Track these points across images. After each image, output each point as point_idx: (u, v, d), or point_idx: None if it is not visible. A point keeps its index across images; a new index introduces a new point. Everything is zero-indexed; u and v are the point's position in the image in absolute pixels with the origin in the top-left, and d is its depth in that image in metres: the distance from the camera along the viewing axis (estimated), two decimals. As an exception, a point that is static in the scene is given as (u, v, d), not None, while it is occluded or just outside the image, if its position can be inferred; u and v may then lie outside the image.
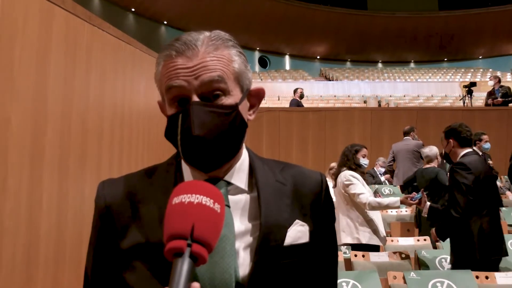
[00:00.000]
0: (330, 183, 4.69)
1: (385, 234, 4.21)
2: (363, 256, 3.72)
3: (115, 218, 0.93)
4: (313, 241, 0.95)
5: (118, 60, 3.95)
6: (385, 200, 4.03)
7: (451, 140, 3.50)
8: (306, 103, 16.91)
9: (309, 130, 9.27)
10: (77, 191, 2.98)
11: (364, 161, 4.39)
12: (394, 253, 3.80)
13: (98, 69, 3.45)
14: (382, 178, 7.82)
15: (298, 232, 0.92)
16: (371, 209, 4.00)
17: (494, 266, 3.20)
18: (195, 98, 0.86)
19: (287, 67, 29.38)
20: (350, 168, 4.29)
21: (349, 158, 4.32)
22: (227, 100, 0.88)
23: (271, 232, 0.90)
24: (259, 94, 0.97)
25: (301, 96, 9.92)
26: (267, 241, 0.89)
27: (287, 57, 29.79)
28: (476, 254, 3.21)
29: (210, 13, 22.52)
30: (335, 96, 19.65)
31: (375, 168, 7.91)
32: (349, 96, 19.49)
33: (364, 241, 4.03)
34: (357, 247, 4.00)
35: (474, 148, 6.45)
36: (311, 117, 9.37)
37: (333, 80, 24.17)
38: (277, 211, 0.92)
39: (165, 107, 0.94)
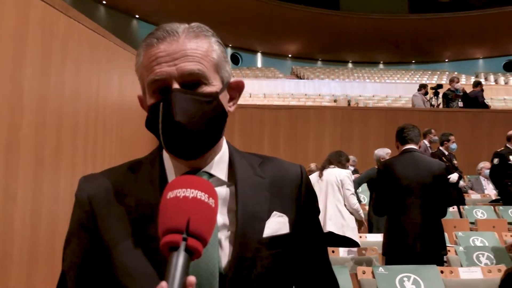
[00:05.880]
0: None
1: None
2: (333, 251, 3.81)
3: (99, 212, 0.92)
4: (296, 232, 0.96)
5: (93, 53, 3.91)
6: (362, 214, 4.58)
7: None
8: (277, 101, 17.03)
9: (281, 128, 9.35)
10: (52, 184, 2.95)
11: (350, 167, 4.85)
12: (364, 249, 3.92)
13: (74, 62, 3.41)
14: (352, 177, 7.94)
15: (277, 224, 0.93)
16: (353, 211, 4.47)
17: (401, 261, 3.32)
18: (176, 86, 0.87)
19: (259, 64, 29.40)
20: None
21: (343, 162, 4.74)
22: (207, 89, 0.89)
23: (248, 225, 0.90)
24: (239, 87, 0.98)
25: (426, 93, 10.27)
26: (244, 234, 0.90)
27: (259, 55, 29.80)
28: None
29: (182, 8, 22.28)
30: (306, 94, 19.82)
31: (345, 166, 8.03)
32: (319, 95, 19.67)
33: (348, 235, 4.32)
34: (339, 238, 4.30)
35: (441, 148, 6.65)
36: (283, 115, 9.45)
37: (304, 79, 24.35)
38: (255, 204, 0.93)
39: (145, 100, 0.93)
